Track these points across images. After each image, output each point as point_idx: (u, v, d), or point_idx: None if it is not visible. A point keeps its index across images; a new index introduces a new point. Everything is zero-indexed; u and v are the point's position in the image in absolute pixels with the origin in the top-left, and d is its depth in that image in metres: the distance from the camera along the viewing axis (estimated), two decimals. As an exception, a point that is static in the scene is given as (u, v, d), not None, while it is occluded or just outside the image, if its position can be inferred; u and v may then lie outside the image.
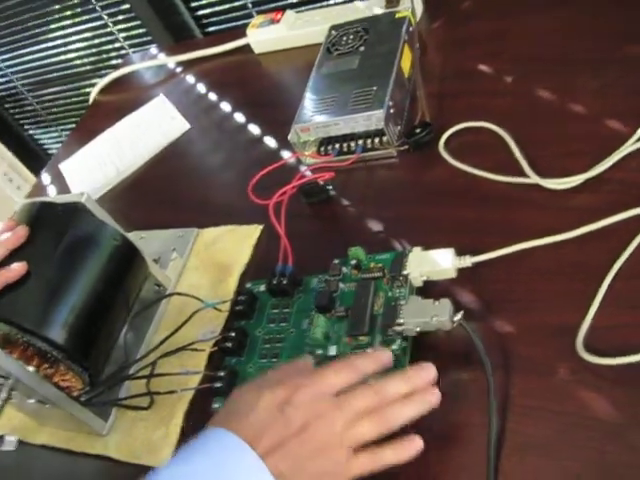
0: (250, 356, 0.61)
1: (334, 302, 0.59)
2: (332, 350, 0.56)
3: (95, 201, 0.65)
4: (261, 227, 0.75)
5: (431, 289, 0.57)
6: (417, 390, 0.48)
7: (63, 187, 0.99)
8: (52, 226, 0.62)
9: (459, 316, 0.52)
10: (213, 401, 0.60)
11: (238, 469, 0.43)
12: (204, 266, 0.75)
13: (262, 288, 0.67)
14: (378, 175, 0.73)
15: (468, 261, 0.56)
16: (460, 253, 0.57)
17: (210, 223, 0.79)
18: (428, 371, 0.49)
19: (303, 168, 0.77)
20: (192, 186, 0.87)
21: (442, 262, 0.56)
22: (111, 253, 0.63)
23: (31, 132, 1.96)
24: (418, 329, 0.53)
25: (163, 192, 0.89)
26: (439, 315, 0.52)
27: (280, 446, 0.43)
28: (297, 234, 0.69)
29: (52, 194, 1.00)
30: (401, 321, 0.54)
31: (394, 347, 0.54)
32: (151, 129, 0.99)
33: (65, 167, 1.02)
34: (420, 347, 0.55)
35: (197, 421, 0.62)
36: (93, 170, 0.98)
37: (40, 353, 0.58)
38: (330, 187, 0.73)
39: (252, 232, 0.75)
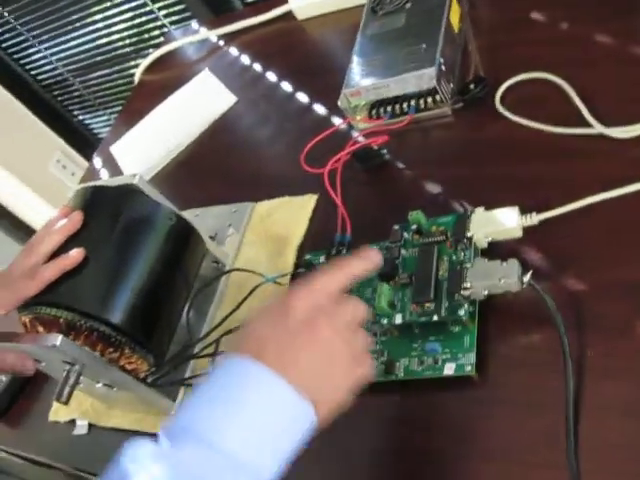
0: (314, 328, 0.60)
1: (397, 269, 0.58)
2: (398, 319, 0.55)
3: (147, 181, 0.65)
4: (316, 197, 0.73)
5: (496, 250, 0.55)
6: None
7: (115, 170, 1.00)
8: (107, 210, 0.62)
9: (528, 276, 0.50)
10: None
11: (246, 384, 0.42)
12: (261, 240, 0.74)
13: (321, 259, 0.66)
14: (433, 135, 0.71)
15: (534, 219, 0.54)
16: (525, 211, 0.55)
17: (264, 196, 0.78)
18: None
19: (355, 134, 0.76)
20: (243, 160, 0.86)
21: (507, 221, 0.54)
22: (167, 233, 0.63)
23: (80, 118, 1.99)
24: (486, 292, 0.52)
25: (215, 168, 0.89)
26: (507, 276, 0.50)
27: (286, 350, 0.43)
28: (353, 201, 0.68)
29: (105, 177, 1.01)
30: (468, 285, 0.52)
31: (461, 313, 0.52)
32: (198, 105, 0.98)
33: (116, 149, 1.03)
34: (488, 311, 0.54)
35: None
36: (144, 150, 0.99)
37: (104, 338, 0.58)
38: (384, 151, 0.71)
39: (307, 202, 0.74)
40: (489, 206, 0.57)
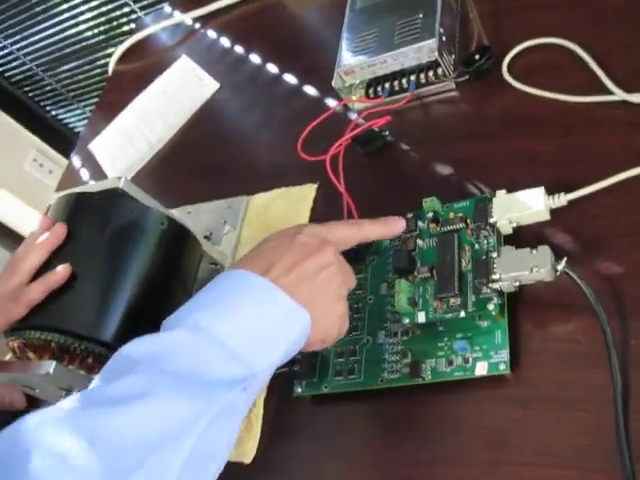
0: (328, 331, 0.56)
1: (414, 262, 0.53)
2: (421, 317, 0.51)
3: (132, 181, 0.59)
4: (316, 186, 0.69)
5: (522, 236, 0.51)
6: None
7: (96, 169, 0.94)
8: (92, 219, 0.57)
9: (562, 264, 0.46)
10: (295, 385, 0.56)
11: (248, 289, 0.45)
12: (259, 236, 0.68)
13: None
14: (437, 112, 0.66)
15: (562, 199, 0.49)
16: (550, 191, 0.50)
17: (258, 188, 0.73)
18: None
19: (353, 115, 0.70)
20: (232, 150, 0.81)
21: (532, 204, 0.49)
22: (160, 239, 0.58)
23: (54, 113, 1.91)
24: (517, 284, 0.47)
25: (202, 160, 0.83)
26: (539, 265, 0.46)
27: (292, 270, 0.46)
28: (358, 189, 0.63)
29: (85, 178, 0.95)
30: (496, 276, 0.48)
31: (491, 307, 0.48)
32: (179, 94, 0.92)
33: (94, 147, 0.97)
34: (517, 301, 0.49)
35: (279, 408, 0.57)
36: (124, 147, 0.93)
37: (101, 359, 0.53)
38: (386, 133, 0.66)
39: (307, 193, 0.69)
40: (509, 187, 0.52)
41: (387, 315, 0.54)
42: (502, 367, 0.47)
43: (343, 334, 0.50)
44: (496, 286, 0.48)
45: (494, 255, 0.49)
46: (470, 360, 0.49)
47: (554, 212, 0.50)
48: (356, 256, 0.57)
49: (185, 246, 0.61)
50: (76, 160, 1.00)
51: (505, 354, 0.48)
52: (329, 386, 0.54)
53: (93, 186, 0.59)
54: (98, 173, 0.93)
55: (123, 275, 0.55)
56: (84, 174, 0.96)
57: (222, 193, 0.75)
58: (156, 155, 0.88)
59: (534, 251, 0.47)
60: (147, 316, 0.56)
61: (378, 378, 0.52)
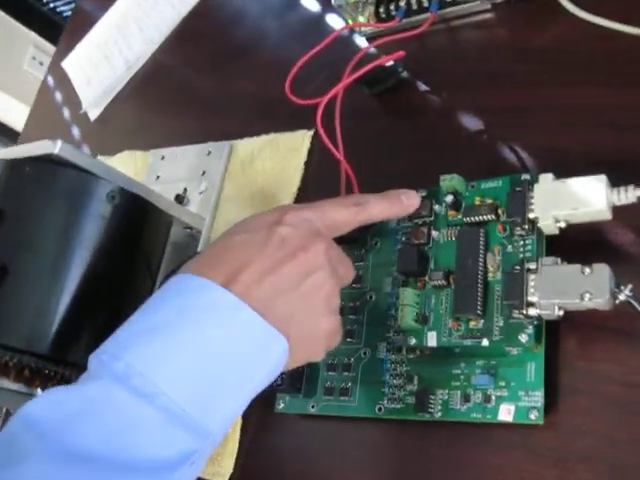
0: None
1: (426, 262, 0.41)
2: (431, 339, 0.39)
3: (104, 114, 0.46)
4: (310, 133, 0.55)
5: (571, 240, 0.37)
6: None
7: (70, 92, 0.81)
8: (22, 197, 0.45)
9: (626, 292, 0.33)
10: (276, 400, 0.45)
11: (202, 312, 0.33)
12: (243, 196, 0.57)
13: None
14: (467, 41, 0.51)
15: (631, 195, 0.35)
16: (615, 181, 0.36)
17: (244, 129, 0.60)
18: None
19: (359, 41, 0.56)
20: (216, 77, 0.67)
21: (590, 198, 0.35)
22: (110, 217, 0.46)
23: (52, 5, 1.75)
24: (560, 313, 0.35)
25: (182, 89, 0.70)
26: (594, 292, 0.33)
27: (265, 278, 0.34)
28: (360, 144, 0.50)
29: (59, 101, 0.83)
30: (534, 299, 0.35)
31: (523, 339, 0.36)
32: (157, 4, 0.77)
33: (68, 65, 0.83)
34: (559, 332, 0.37)
35: (261, 421, 0.47)
36: (99, 65, 0.79)
37: (39, 372, 0.43)
38: (400, 68, 0.51)
39: (299, 142, 0.55)
40: (559, 170, 0.38)
41: (391, 321, 0.43)
42: (533, 416, 0.36)
43: (333, 347, 0.39)
44: (532, 312, 0.35)
45: (532, 267, 0.36)
46: (492, 399, 0.37)
47: (617, 210, 0.36)
48: (353, 238, 0.45)
49: (146, 221, 0.50)
50: (50, 80, 0.87)
51: (539, 397, 0.36)
52: (317, 406, 0.44)
53: (22, 149, 0.47)
54: (72, 97, 0.80)
55: (64, 269, 0.44)
56: (58, 98, 0.83)
57: (203, 132, 0.63)
58: (133, 79, 0.75)
59: (587, 270, 0.34)
60: (99, 314, 0.46)
61: (376, 406, 0.41)
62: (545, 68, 0.45)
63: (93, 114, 0.76)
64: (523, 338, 0.36)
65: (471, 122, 0.47)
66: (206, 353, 0.32)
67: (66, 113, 0.80)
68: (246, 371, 0.34)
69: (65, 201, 0.45)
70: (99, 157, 0.70)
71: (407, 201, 0.41)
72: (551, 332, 0.37)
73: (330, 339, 0.38)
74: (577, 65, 0.44)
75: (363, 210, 0.39)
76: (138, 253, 0.49)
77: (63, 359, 0.43)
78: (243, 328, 0.33)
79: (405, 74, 0.52)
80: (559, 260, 0.35)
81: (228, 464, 0.47)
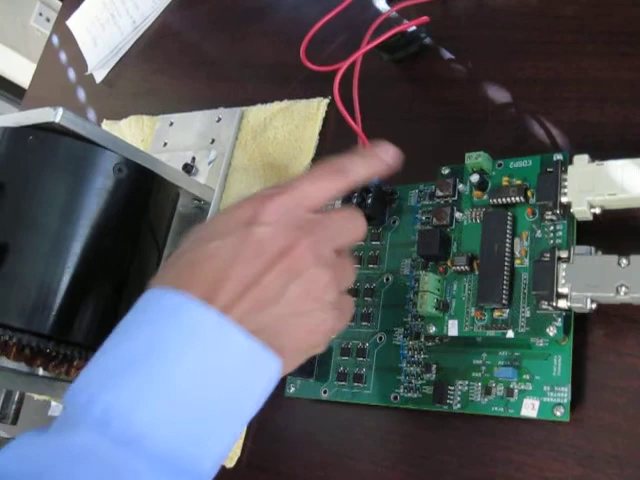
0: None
1: (448, 245, 0.39)
2: (452, 328, 0.37)
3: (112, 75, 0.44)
4: (326, 101, 0.52)
5: (606, 227, 0.35)
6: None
7: (75, 53, 0.78)
8: (22, 169, 0.42)
9: (668, 286, 0.31)
10: (287, 383, 0.44)
11: (184, 336, 0.28)
12: (254, 167, 0.54)
13: (337, 204, 0.46)
14: (495, 5, 0.47)
15: (678, 178, 0.33)
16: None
17: (256, 95, 0.57)
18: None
19: (380, 3, 0.52)
20: (227, 38, 0.64)
21: (628, 182, 0.33)
22: (116, 191, 0.44)
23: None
24: (593, 306, 0.32)
25: (192, 50, 0.67)
26: (631, 287, 0.31)
27: (248, 291, 0.30)
28: (379, 114, 0.47)
29: (64, 62, 0.79)
30: (564, 290, 0.33)
31: (551, 332, 0.34)
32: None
33: (73, 24, 0.80)
34: (587, 324, 0.35)
35: (270, 404, 0.45)
36: (105, 25, 0.76)
37: (40, 352, 0.42)
38: (424, 34, 0.48)
39: (313, 111, 0.52)
40: (592, 147, 0.35)
41: (409, 306, 0.41)
42: (559, 413, 0.34)
43: (338, 330, 0.35)
44: (562, 304, 0.33)
45: (563, 255, 0.33)
46: (515, 393, 0.35)
47: (659, 195, 0.33)
48: (369, 216, 0.42)
49: (152, 196, 0.47)
50: (55, 39, 0.83)
51: (565, 393, 0.34)
52: (329, 392, 0.42)
53: (24, 117, 0.44)
54: (78, 58, 0.77)
55: (66, 245, 0.42)
56: (63, 58, 0.80)
57: (213, 97, 0.60)
58: (140, 40, 0.72)
59: (624, 261, 0.31)
60: (99, 293, 0.43)
61: (391, 394, 0.39)
62: (580, 37, 0.42)
63: (99, 76, 0.73)
64: (551, 331, 0.34)
65: (498, 94, 0.44)
66: (191, 385, 0.28)
67: (71, 74, 0.77)
68: (237, 399, 0.30)
69: (68, 174, 0.43)
70: (105, 122, 0.67)
71: (385, 156, 0.36)
72: (579, 323, 0.35)
73: (330, 333, 0.34)
74: (614, 35, 0.41)
75: (344, 177, 0.34)
76: (144, 227, 0.47)
77: (65, 339, 0.42)
78: (230, 351, 0.29)
79: (428, 40, 0.49)
80: (593, 249, 0.33)
81: (234, 447, 0.46)
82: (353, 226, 0.34)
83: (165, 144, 0.60)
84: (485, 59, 0.46)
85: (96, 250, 0.43)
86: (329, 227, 0.33)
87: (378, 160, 0.35)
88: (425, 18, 0.46)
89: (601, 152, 0.35)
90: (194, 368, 0.28)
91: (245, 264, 0.30)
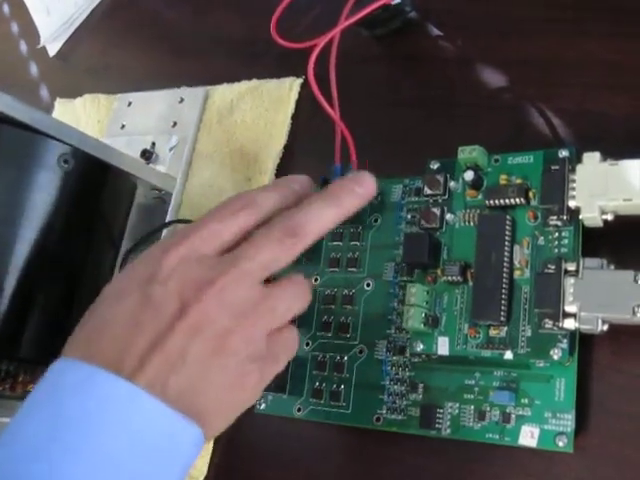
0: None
1: (438, 250, 0.34)
2: (443, 347, 0.33)
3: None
4: (299, 81, 0.47)
5: (618, 234, 0.31)
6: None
7: (27, 24, 0.71)
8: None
9: (690, 308, 0.27)
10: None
11: (98, 411, 0.26)
12: (220, 154, 0.49)
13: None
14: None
15: (702, 181, 0.29)
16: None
17: (223, 73, 0.52)
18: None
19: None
20: (191, 9, 0.58)
21: (645, 184, 0.29)
22: (63, 185, 0.38)
23: None
24: (604, 328, 0.28)
25: (153, 22, 0.61)
26: (649, 307, 0.27)
27: (152, 355, 0.27)
28: (358, 96, 0.42)
29: (15, 32, 0.73)
30: (572, 309, 0.29)
31: (555, 355, 0.30)
32: None
33: (24, -9, 0.73)
34: (593, 342, 0.31)
35: (236, 423, 0.41)
36: (59, -8, 0.69)
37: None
38: (408, 7, 0.43)
39: (285, 92, 0.48)
40: (600, 141, 0.31)
41: (392, 315, 0.36)
42: (561, 443, 0.30)
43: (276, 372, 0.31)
44: (569, 324, 0.29)
45: (570, 268, 0.29)
46: (512, 418, 0.31)
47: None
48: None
49: (105, 189, 0.42)
50: (5, 8, 0.76)
51: (569, 420, 0.30)
52: (303, 410, 0.38)
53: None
54: (29, 31, 0.70)
55: (8, 249, 0.37)
56: (15, 29, 0.74)
57: (175, 75, 0.55)
58: (98, 8, 0.65)
59: (639, 276, 0.27)
60: (51, 303, 0.39)
61: (373, 415, 0.35)
62: (585, 15, 0.37)
63: (52, 49, 0.67)
64: (555, 354, 0.30)
65: (493, 77, 0.39)
66: (110, 462, 0.26)
67: (23, 46, 0.71)
68: (156, 472, 0.27)
69: (5, 167, 0.37)
70: (59, 100, 0.61)
71: (364, 190, 0.31)
72: (584, 341, 0.31)
73: (261, 384, 0.31)
74: (624, 13, 0.36)
75: (257, 210, 0.30)
76: (97, 224, 0.42)
77: (7, 354, 0.37)
78: (143, 422, 0.26)
79: (414, 14, 0.44)
80: (605, 262, 0.29)
81: (201, 465, 0.42)
82: (270, 252, 0.29)
83: (123, 126, 0.55)
84: (477, 37, 0.41)
85: (41, 254, 0.38)
86: (239, 264, 0.29)
87: (353, 197, 0.31)
88: (410, -10, 0.41)
89: (610, 146, 0.31)
90: (107, 442, 0.26)
91: (141, 329, 0.28)
